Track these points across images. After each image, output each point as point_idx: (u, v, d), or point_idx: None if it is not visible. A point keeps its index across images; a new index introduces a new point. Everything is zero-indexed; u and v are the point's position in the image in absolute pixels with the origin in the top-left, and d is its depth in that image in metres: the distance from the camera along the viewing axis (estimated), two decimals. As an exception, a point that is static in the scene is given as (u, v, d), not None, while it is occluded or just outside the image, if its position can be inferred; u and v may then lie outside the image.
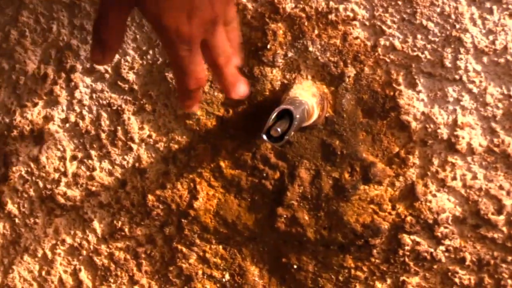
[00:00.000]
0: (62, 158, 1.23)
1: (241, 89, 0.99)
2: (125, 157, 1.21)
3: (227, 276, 1.21)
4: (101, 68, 1.17)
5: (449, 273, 1.11)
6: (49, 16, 1.18)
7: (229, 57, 0.95)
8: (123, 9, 0.87)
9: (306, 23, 1.07)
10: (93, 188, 1.23)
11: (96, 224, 1.24)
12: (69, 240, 1.26)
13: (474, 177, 1.07)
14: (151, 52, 1.15)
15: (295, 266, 1.17)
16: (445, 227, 1.09)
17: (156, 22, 0.86)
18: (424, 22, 1.02)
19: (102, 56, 0.90)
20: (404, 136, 1.08)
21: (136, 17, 1.14)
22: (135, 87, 1.17)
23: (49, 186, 1.25)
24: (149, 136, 1.18)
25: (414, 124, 1.06)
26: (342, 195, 1.12)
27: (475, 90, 1.03)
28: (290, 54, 1.09)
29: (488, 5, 1.00)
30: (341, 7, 1.05)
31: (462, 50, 1.02)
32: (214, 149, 1.16)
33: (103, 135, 1.20)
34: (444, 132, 1.06)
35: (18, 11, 1.20)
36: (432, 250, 1.11)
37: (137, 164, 1.20)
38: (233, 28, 1.01)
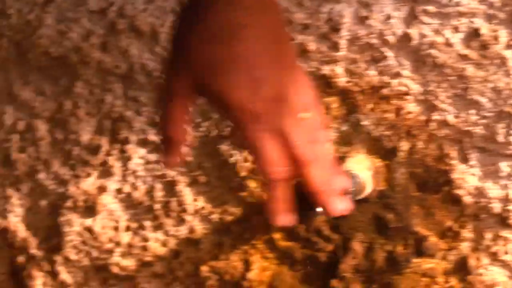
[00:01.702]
0: (116, 229, 1.24)
1: (333, 205, 0.91)
2: (179, 228, 1.21)
3: None
4: (155, 139, 1.18)
5: None
6: (103, 87, 1.20)
7: (314, 153, 0.87)
8: (185, 101, 0.84)
9: (359, 97, 1.08)
10: (147, 259, 1.23)
11: (149, 295, 1.25)
12: (123, 310, 1.28)
13: (526, 252, 1.06)
14: (204, 124, 1.16)
15: None
16: (499, 302, 1.09)
17: (220, 103, 0.82)
18: (477, 97, 1.03)
19: (173, 156, 0.87)
20: (457, 210, 1.07)
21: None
22: (189, 158, 1.18)
23: (103, 256, 1.26)
24: (203, 208, 1.19)
25: (467, 198, 1.06)
26: (395, 267, 1.11)
27: (527, 165, 1.03)
28: (344, 128, 1.09)
29: (540, 81, 1.00)
30: (394, 81, 1.06)
31: (514, 125, 1.02)
32: (268, 220, 1.13)
33: (156, 206, 1.21)
34: (496, 207, 1.05)
35: (71, 81, 1.22)
36: (486, 322, 1.10)
37: (190, 235, 1.21)
38: (314, 120, 0.90)
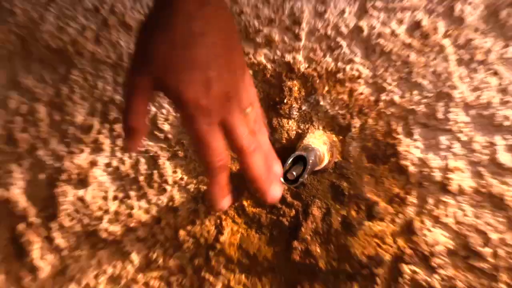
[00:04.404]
0: (105, 198, 1.29)
1: (273, 191, 0.95)
2: (160, 197, 1.26)
3: (248, 304, 1.23)
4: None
5: (444, 300, 1.13)
6: (96, 75, 1.26)
7: (255, 143, 0.92)
8: (145, 95, 0.86)
9: (317, 81, 1.13)
10: (132, 224, 1.28)
11: (134, 256, 1.29)
12: (110, 270, 1.31)
13: (464, 215, 1.10)
14: (183, 107, 1.22)
15: (308, 293, 1.18)
16: (440, 258, 1.12)
17: (176, 97, 0.85)
18: (419, 80, 1.09)
19: (133, 143, 0.88)
20: (403, 179, 1.13)
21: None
22: (169, 136, 1.23)
23: (93, 223, 1.30)
24: (181, 179, 1.24)
25: (411, 168, 1.12)
26: (349, 230, 1.15)
27: (463, 138, 1.08)
28: (304, 108, 1.15)
29: (474, 65, 1.06)
30: (347, 67, 1.12)
31: (452, 104, 1.08)
32: (238, 190, 1.20)
33: (141, 178, 1.26)
34: (437, 175, 1.11)
35: (68, 70, 1.27)
36: (428, 278, 1.13)
37: (170, 203, 1.25)
38: (256, 114, 0.97)
